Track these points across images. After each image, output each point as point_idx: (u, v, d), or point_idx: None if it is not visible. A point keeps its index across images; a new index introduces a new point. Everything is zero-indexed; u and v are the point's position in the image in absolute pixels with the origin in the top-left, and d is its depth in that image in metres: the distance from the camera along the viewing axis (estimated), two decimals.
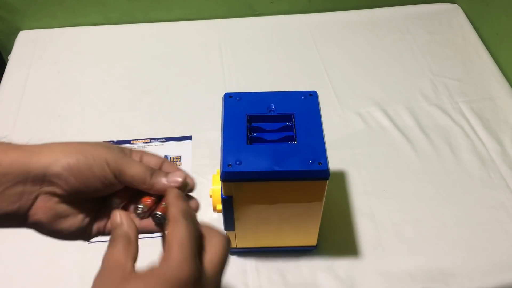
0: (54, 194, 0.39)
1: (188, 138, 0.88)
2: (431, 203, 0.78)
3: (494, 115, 0.92)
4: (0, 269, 0.70)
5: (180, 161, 0.84)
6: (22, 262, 0.70)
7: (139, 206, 0.42)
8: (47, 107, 0.94)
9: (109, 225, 0.42)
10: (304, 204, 0.61)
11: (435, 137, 0.88)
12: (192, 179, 0.43)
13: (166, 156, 0.84)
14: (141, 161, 0.44)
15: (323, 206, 0.61)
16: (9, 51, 1.07)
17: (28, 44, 1.07)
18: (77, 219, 0.41)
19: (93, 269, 0.73)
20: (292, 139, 0.58)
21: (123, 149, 0.43)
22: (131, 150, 0.44)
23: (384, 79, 1.00)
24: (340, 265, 0.70)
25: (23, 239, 0.73)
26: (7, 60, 1.05)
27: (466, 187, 0.81)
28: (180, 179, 0.42)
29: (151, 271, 0.36)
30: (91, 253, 0.71)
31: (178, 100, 0.95)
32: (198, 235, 0.38)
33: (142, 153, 0.45)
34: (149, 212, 0.42)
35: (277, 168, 0.54)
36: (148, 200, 0.42)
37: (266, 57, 1.04)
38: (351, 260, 0.71)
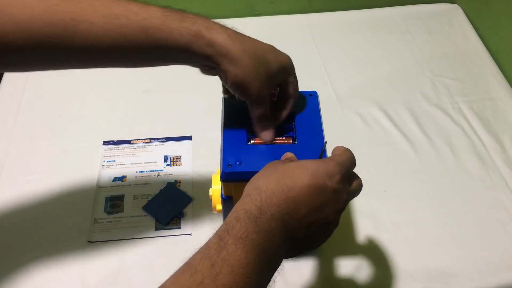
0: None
1: (188, 138, 0.88)
2: (431, 203, 0.78)
3: (494, 115, 0.92)
4: (0, 269, 0.70)
5: (180, 161, 0.84)
6: (22, 262, 0.70)
7: None
8: (47, 107, 0.94)
9: None
10: None
11: (435, 137, 0.88)
12: None
13: (166, 156, 0.84)
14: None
15: None
16: None
17: None
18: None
19: (93, 269, 0.74)
20: (292, 139, 0.58)
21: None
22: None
23: (384, 79, 1.00)
24: (340, 265, 0.70)
25: (24, 239, 0.73)
26: None
27: (466, 187, 0.81)
28: None
29: (319, 160, 0.49)
30: (91, 253, 0.71)
31: (178, 100, 0.95)
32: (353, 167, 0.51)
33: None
34: None
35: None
36: None
37: None
38: (351, 260, 0.71)
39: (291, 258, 0.47)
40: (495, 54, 1.05)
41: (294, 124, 0.60)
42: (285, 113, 0.59)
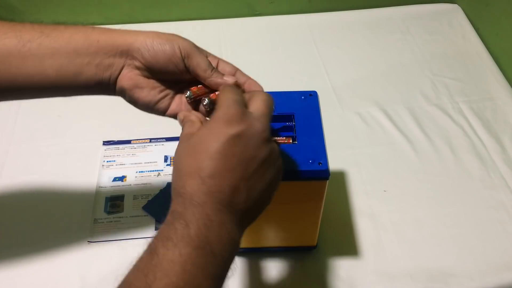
0: (134, 67, 0.50)
1: None
2: (431, 203, 0.78)
3: (494, 115, 0.92)
4: (0, 269, 0.70)
5: None
6: (22, 262, 0.70)
7: (188, 91, 0.51)
8: (47, 107, 0.94)
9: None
10: (304, 204, 0.61)
11: (435, 137, 0.88)
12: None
13: (166, 156, 0.84)
14: (217, 65, 0.53)
15: (323, 206, 0.61)
16: None
17: None
18: (151, 93, 0.52)
19: (93, 269, 0.74)
20: (292, 139, 0.58)
21: (198, 47, 0.52)
22: (208, 53, 0.53)
23: (384, 79, 1.00)
24: (340, 265, 0.70)
25: (24, 239, 0.73)
26: None
27: (466, 187, 0.81)
28: (234, 80, 0.51)
29: (209, 121, 0.45)
30: (91, 253, 0.71)
31: None
32: (242, 99, 0.46)
33: (219, 59, 0.54)
34: (198, 98, 0.51)
35: None
36: (195, 88, 0.52)
37: (266, 57, 1.04)
38: (351, 260, 0.71)
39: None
40: (495, 54, 1.05)
41: (294, 124, 0.59)
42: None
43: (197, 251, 0.39)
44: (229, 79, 0.51)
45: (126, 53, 0.49)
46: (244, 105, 0.45)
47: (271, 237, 0.69)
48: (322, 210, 0.62)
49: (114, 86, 0.51)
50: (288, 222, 0.65)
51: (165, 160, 0.84)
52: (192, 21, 1.13)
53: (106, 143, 0.87)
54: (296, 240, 0.70)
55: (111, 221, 0.75)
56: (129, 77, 0.51)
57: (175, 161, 0.44)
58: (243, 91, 0.51)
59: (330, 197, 0.64)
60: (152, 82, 0.52)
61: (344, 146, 0.86)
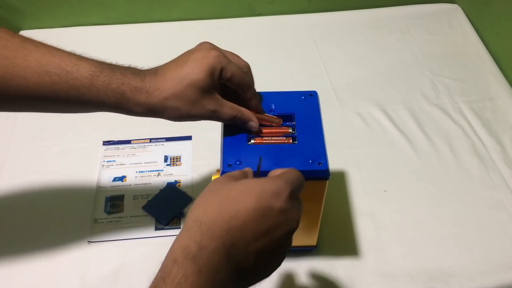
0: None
1: (188, 138, 0.88)
2: (431, 203, 0.78)
3: (494, 115, 0.92)
4: (0, 269, 0.70)
5: (180, 161, 0.84)
6: (22, 262, 0.70)
7: None
8: None
9: None
10: (304, 204, 0.61)
11: (435, 137, 0.88)
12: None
13: (166, 156, 0.84)
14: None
15: (323, 206, 0.61)
16: None
17: None
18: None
19: (93, 269, 0.74)
20: (292, 139, 0.58)
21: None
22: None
23: (384, 79, 1.00)
24: (340, 265, 0.70)
25: (24, 239, 0.73)
26: None
27: (466, 187, 0.81)
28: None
29: (260, 180, 0.46)
30: (91, 253, 0.71)
31: None
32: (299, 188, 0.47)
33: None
34: None
35: (277, 168, 0.54)
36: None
37: (266, 57, 1.04)
38: (351, 260, 0.71)
39: None
40: (495, 54, 1.05)
41: (294, 124, 0.59)
42: (254, 102, 0.58)
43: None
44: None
45: (154, 115, 0.55)
46: (298, 192, 0.46)
47: None
48: (322, 210, 0.62)
49: None
50: None
51: (165, 160, 0.84)
52: (192, 21, 1.13)
53: (106, 143, 0.87)
54: (296, 240, 0.69)
55: (111, 221, 0.75)
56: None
57: (209, 187, 0.45)
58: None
59: (330, 197, 0.64)
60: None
61: (344, 146, 0.86)
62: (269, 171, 0.54)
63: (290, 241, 0.45)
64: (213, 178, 0.64)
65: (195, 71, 0.52)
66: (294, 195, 0.44)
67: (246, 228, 0.41)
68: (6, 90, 0.51)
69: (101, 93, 0.52)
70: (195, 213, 0.42)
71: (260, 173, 0.53)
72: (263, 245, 0.42)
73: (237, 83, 0.55)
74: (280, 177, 0.45)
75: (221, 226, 0.40)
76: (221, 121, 0.58)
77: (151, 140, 0.87)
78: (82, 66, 0.52)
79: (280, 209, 0.42)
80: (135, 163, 0.83)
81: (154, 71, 0.55)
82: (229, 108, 0.55)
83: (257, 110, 0.59)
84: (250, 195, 0.42)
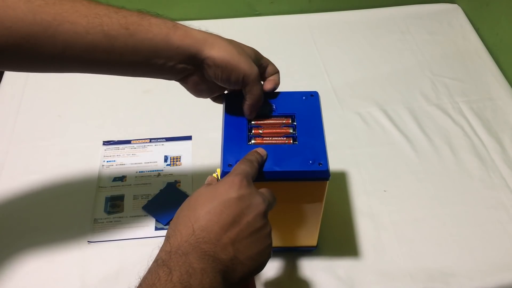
0: (202, 75, 0.56)
1: (188, 138, 0.88)
2: (431, 203, 0.78)
3: (494, 115, 0.92)
4: (0, 269, 0.70)
5: (180, 161, 0.84)
6: (22, 262, 0.70)
7: None
8: (47, 107, 0.94)
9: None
10: (304, 205, 0.61)
11: (435, 137, 0.88)
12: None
13: (166, 156, 0.84)
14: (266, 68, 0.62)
15: (323, 207, 0.61)
16: None
17: None
18: (206, 93, 0.60)
19: (93, 269, 0.74)
20: (293, 139, 0.58)
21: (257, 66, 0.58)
22: (262, 59, 0.62)
23: (384, 79, 1.00)
24: (340, 265, 0.70)
25: (24, 239, 0.73)
26: None
27: (466, 187, 0.81)
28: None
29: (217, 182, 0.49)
30: (91, 253, 0.71)
31: (178, 100, 0.94)
32: (253, 174, 0.51)
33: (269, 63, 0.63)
34: None
35: (277, 169, 0.54)
36: None
37: (266, 57, 1.04)
38: (351, 260, 0.71)
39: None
40: (495, 54, 1.05)
41: (295, 125, 0.59)
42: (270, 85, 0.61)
43: None
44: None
45: (199, 64, 0.54)
46: (252, 178, 0.50)
47: (271, 237, 0.69)
48: (322, 211, 0.62)
49: (176, 79, 0.57)
50: (289, 222, 0.65)
51: (165, 160, 0.84)
52: (192, 21, 1.12)
53: (106, 143, 0.87)
54: (297, 240, 0.70)
55: (111, 221, 0.75)
56: (194, 81, 0.57)
57: (179, 210, 0.48)
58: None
59: (330, 197, 0.64)
60: (211, 86, 0.58)
61: (344, 146, 0.86)
62: (269, 171, 0.54)
63: (266, 222, 0.47)
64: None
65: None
66: (247, 182, 0.47)
67: (210, 224, 0.44)
68: (54, 37, 0.48)
69: (152, 25, 0.52)
70: (168, 231, 0.46)
71: (259, 173, 0.53)
72: (236, 233, 0.45)
73: None
74: (230, 173, 0.49)
75: (185, 232, 0.44)
76: None
77: (151, 140, 0.87)
78: (130, 10, 0.52)
79: (238, 197, 0.46)
80: (135, 163, 0.83)
81: None
82: None
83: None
84: (205, 197, 0.46)
